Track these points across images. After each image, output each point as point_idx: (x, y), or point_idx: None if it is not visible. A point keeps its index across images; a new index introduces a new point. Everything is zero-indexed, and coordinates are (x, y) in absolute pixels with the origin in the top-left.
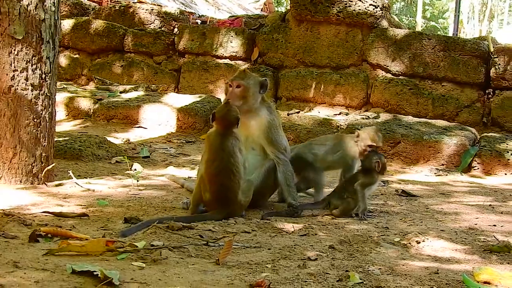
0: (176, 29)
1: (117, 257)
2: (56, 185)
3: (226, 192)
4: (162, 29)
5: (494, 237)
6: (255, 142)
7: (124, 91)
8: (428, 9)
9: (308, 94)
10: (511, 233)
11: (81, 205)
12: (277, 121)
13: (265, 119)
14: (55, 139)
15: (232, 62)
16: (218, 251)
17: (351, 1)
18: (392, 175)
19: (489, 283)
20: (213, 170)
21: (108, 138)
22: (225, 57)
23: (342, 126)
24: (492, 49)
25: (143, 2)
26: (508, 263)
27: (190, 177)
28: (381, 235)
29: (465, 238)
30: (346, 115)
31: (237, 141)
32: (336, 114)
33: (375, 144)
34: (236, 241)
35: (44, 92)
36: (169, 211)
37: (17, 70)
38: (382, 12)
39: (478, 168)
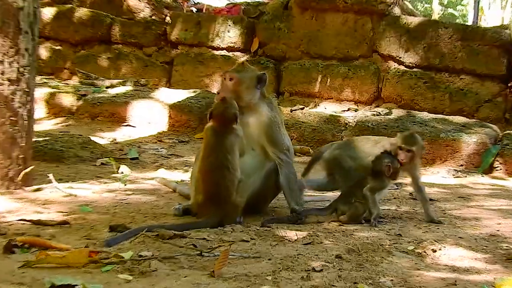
0: (168, 18)
1: (102, 269)
2: (35, 190)
3: (220, 190)
4: (153, 18)
5: None
6: (255, 142)
7: (111, 86)
8: None
9: (313, 88)
10: None
11: (62, 212)
12: (279, 118)
13: (265, 116)
14: (34, 139)
15: (230, 54)
16: (213, 262)
17: None
18: (405, 177)
19: None
20: (207, 166)
21: (93, 138)
22: (222, 48)
23: (350, 124)
24: None
25: None
26: None
27: (183, 181)
28: (393, 243)
29: (486, 246)
30: (355, 111)
31: (237, 138)
32: (344, 110)
33: (405, 147)
34: (233, 251)
35: (21, 87)
36: (160, 218)
37: None
38: None
39: (500, 169)
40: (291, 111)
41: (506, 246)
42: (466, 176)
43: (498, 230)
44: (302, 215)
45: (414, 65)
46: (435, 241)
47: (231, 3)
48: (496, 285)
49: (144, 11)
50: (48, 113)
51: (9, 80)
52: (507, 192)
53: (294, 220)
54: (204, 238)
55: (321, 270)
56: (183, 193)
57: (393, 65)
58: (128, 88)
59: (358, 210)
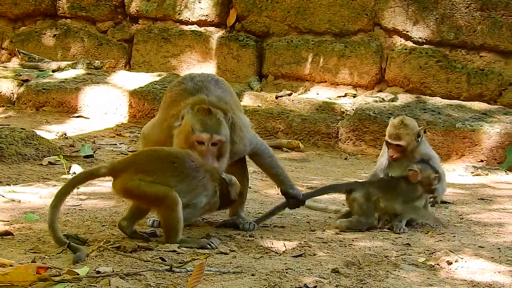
0: None
1: None
2: None
3: None
4: None
5: None
6: None
7: (59, 70)
8: None
9: (303, 70)
10: None
11: (3, 221)
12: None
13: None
14: None
15: (202, 29)
16: (186, 278)
17: None
18: None
19: None
20: None
21: (38, 132)
22: (192, 23)
23: (348, 112)
24: None
25: None
26: None
27: None
28: (401, 254)
29: (511, 257)
30: (354, 97)
31: None
32: (340, 96)
33: (392, 141)
34: (209, 265)
35: None
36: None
37: None
38: None
39: None
40: (277, 97)
41: None
42: (487, 174)
43: None
44: (302, 199)
45: (424, 40)
46: (451, 251)
47: None
48: None
49: None
50: None
51: None
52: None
53: (294, 206)
54: (174, 251)
55: (315, 287)
56: None
57: (399, 41)
58: (79, 71)
59: (367, 216)
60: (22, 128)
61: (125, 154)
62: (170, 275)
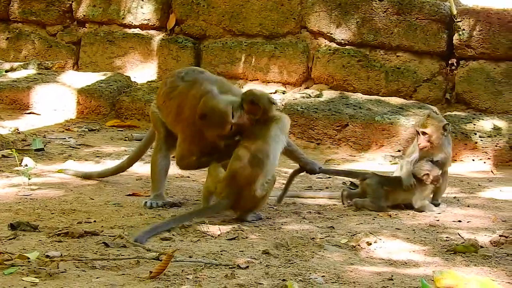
0: None
1: (4, 272)
2: None
3: (241, 175)
4: None
5: (459, 235)
6: None
7: (11, 70)
8: None
9: (237, 69)
10: (478, 230)
11: None
12: None
13: None
14: None
15: (144, 32)
16: (128, 261)
17: None
18: (338, 164)
19: None
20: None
21: None
22: (135, 26)
23: (278, 107)
24: (455, 12)
25: None
26: (475, 265)
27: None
28: (325, 237)
29: (424, 237)
30: (283, 93)
31: (281, 132)
32: (271, 93)
33: (416, 128)
34: (149, 249)
35: None
36: (69, 214)
37: None
38: None
39: None
40: None
41: (446, 237)
42: None
43: (437, 220)
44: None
45: (346, 42)
46: (370, 233)
47: None
48: (435, 278)
49: None
50: None
51: None
52: (448, 179)
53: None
54: (119, 236)
55: (246, 267)
56: (108, 172)
57: (323, 42)
58: (30, 71)
59: (378, 199)
60: None
61: (74, 148)
62: (114, 258)
